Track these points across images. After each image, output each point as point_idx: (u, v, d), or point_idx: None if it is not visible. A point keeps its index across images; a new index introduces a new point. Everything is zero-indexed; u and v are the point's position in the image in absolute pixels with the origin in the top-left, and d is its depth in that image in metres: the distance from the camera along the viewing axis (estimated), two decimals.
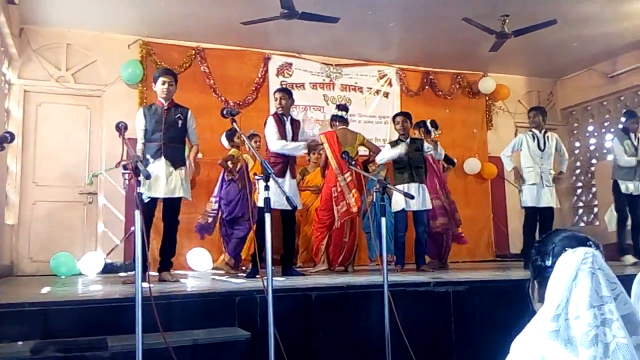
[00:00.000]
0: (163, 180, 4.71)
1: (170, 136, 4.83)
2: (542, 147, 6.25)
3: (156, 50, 7.64)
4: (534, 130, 6.38)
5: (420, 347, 3.58)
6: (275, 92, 5.91)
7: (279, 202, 4.71)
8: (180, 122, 4.89)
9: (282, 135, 5.42)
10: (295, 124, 5.65)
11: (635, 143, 6.70)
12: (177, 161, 4.82)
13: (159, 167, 4.71)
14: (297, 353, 3.41)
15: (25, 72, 7.14)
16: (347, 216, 5.99)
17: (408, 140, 6.11)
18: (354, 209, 5.95)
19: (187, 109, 5.03)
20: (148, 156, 4.71)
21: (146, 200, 4.60)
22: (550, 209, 6.20)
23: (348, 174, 5.99)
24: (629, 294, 1.40)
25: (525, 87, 9.88)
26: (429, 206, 6.10)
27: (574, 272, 1.19)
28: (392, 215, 6.18)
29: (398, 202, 5.95)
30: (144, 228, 2.67)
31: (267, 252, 3.02)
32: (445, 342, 3.98)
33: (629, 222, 6.71)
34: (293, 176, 5.53)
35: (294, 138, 5.52)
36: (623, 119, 7.03)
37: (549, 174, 6.23)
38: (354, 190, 5.94)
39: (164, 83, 4.89)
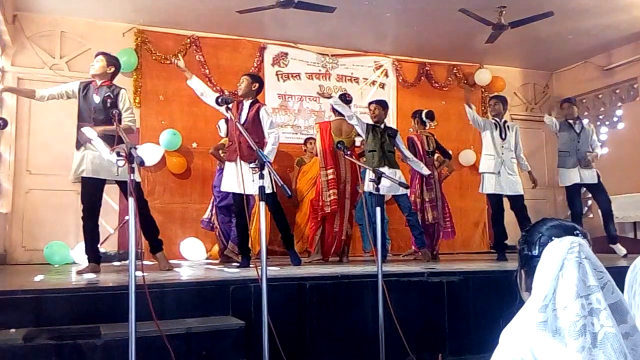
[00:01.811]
0: (98, 160, 4.55)
1: (98, 116, 4.64)
2: (503, 136, 6.25)
3: (151, 39, 7.59)
4: (495, 118, 6.39)
5: (413, 336, 3.60)
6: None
7: (235, 186, 4.80)
8: (109, 101, 4.66)
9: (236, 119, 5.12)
10: (254, 108, 5.35)
11: (578, 129, 6.65)
12: (110, 141, 4.47)
13: (97, 147, 4.54)
14: (291, 342, 3.42)
15: (18, 59, 7.08)
16: (320, 211, 6.00)
17: (382, 126, 6.10)
18: (327, 209, 5.94)
19: (121, 89, 4.80)
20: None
21: (86, 175, 4.56)
22: (519, 196, 6.18)
23: (331, 170, 5.98)
24: (620, 285, 1.40)
25: (521, 79, 9.88)
26: (403, 191, 5.89)
27: (560, 262, 1.18)
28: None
29: (369, 185, 5.73)
30: (138, 213, 2.64)
31: (262, 240, 3.01)
32: (439, 332, 4.00)
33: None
34: (245, 159, 4.98)
35: (246, 122, 5.25)
36: (561, 109, 6.97)
37: (510, 162, 6.20)
38: (332, 191, 5.92)
39: (96, 62, 4.77)
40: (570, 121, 6.73)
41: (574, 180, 6.56)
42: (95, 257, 4.70)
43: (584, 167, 6.52)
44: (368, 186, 5.64)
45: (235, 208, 5.40)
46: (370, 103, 6.39)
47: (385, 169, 5.74)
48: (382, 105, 6.26)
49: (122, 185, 4.68)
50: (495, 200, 6.27)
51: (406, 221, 6.23)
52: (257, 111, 5.34)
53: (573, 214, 6.72)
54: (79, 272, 4.60)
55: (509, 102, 6.74)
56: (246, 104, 5.43)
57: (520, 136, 6.43)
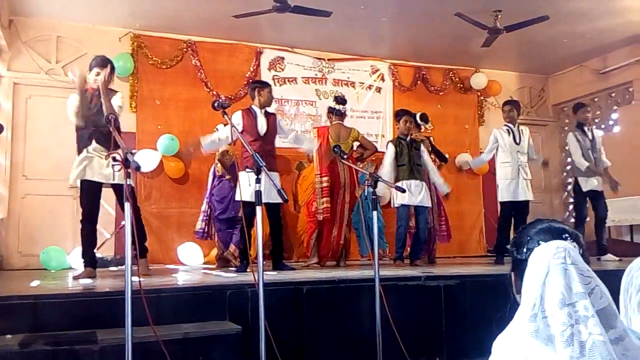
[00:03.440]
0: (96, 164, 4.62)
1: (98, 121, 4.62)
2: (517, 140, 6.29)
3: (147, 44, 7.59)
4: (508, 124, 6.41)
5: (411, 340, 3.59)
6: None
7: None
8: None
9: (252, 129, 5.30)
10: (270, 117, 5.46)
11: (590, 136, 6.65)
12: (108, 146, 4.60)
13: (93, 151, 4.64)
14: (288, 346, 3.40)
15: (14, 64, 7.07)
16: (312, 217, 6.08)
17: (408, 139, 6.15)
18: (320, 217, 5.99)
19: (116, 92, 4.87)
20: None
21: (79, 179, 4.60)
22: (526, 202, 6.24)
23: (325, 178, 6.02)
24: (616, 288, 1.40)
25: (517, 83, 9.91)
26: (429, 204, 6.16)
27: (546, 268, 1.17)
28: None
29: (398, 196, 5.95)
30: (134, 219, 2.63)
31: (258, 244, 3.01)
32: (436, 336, 3.99)
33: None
34: (271, 169, 5.17)
35: (267, 132, 5.36)
36: (575, 113, 6.97)
37: (525, 167, 6.28)
38: (325, 199, 5.95)
39: (97, 74, 4.74)
40: (585, 128, 6.69)
41: (592, 187, 6.52)
42: (91, 261, 4.70)
43: (597, 175, 6.53)
44: (402, 198, 5.90)
45: (248, 215, 5.30)
46: (402, 114, 6.34)
47: (414, 182, 6.01)
48: (413, 117, 6.29)
49: (117, 188, 4.70)
50: (507, 207, 6.29)
51: (415, 232, 6.25)
52: (275, 121, 5.46)
53: (581, 219, 6.68)
54: (75, 278, 4.60)
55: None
56: (260, 112, 5.42)
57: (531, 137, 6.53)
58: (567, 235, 1.28)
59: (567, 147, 7.16)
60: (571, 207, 9.93)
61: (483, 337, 1.61)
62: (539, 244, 1.25)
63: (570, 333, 1.09)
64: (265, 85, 5.66)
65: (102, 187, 4.76)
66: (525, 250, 1.30)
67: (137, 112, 7.44)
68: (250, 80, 7.61)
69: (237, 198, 5.44)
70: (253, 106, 5.48)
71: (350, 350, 3.70)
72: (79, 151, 4.71)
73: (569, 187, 10.01)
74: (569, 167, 9.33)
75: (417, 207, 6.13)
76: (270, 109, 5.59)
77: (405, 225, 6.13)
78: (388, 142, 6.49)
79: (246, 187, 5.11)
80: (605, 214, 6.54)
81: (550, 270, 1.16)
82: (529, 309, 1.16)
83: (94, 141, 4.67)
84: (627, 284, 1.44)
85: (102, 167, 4.62)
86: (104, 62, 4.84)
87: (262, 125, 5.36)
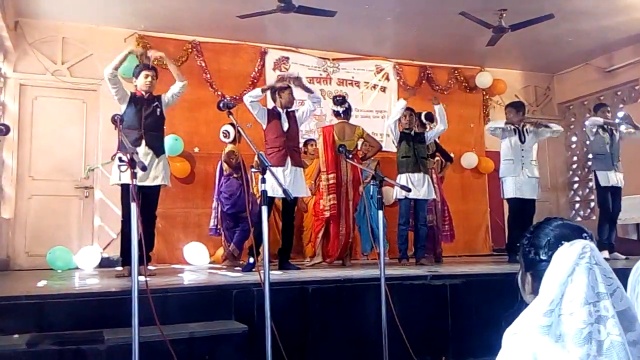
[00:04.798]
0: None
1: (150, 124, 4.85)
2: (522, 139, 6.26)
3: (152, 44, 7.58)
4: (514, 125, 6.40)
5: (416, 339, 3.60)
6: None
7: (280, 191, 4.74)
8: (158, 110, 4.94)
9: (277, 126, 5.37)
10: (291, 115, 5.53)
11: (610, 134, 6.69)
12: (157, 149, 4.86)
13: (140, 153, 4.70)
14: (294, 346, 3.41)
15: (20, 65, 7.10)
16: (320, 215, 6.10)
17: (412, 133, 6.16)
18: (327, 214, 6.00)
19: (160, 95, 5.05)
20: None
21: (123, 182, 4.62)
22: (533, 200, 6.21)
23: (332, 175, 6.03)
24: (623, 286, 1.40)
25: (522, 81, 9.89)
26: (432, 196, 6.18)
27: (570, 267, 1.17)
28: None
29: (400, 190, 5.85)
30: (140, 223, 2.64)
31: (264, 244, 3.01)
32: (442, 335, 3.99)
33: None
34: (296, 164, 5.38)
35: (291, 129, 5.43)
36: (596, 113, 7.01)
37: (530, 165, 6.23)
38: (331, 195, 5.97)
39: (146, 77, 4.90)
40: (605, 126, 6.73)
41: (611, 182, 6.54)
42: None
43: (617, 171, 6.57)
44: (400, 193, 5.89)
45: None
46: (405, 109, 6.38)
47: (418, 175, 6.03)
48: (414, 112, 6.32)
49: (146, 190, 4.73)
50: (514, 204, 6.26)
51: (414, 229, 6.24)
52: (296, 118, 5.52)
53: (605, 214, 6.63)
54: (117, 276, 4.67)
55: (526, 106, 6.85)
56: (283, 112, 5.47)
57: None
58: (585, 234, 1.28)
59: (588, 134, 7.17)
60: (577, 205, 9.92)
61: (489, 337, 1.61)
62: (561, 244, 1.25)
63: (589, 331, 1.10)
64: (285, 87, 5.71)
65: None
66: (547, 249, 1.30)
67: None
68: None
69: (270, 194, 5.48)
70: (276, 107, 5.57)
71: (355, 349, 3.70)
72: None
73: (575, 186, 9.99)
74: (589, 163, 9.25)
75: (416, 202, 6.12)
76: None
77: (406, 219, 6.13)
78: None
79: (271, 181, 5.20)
80: (618, 213, 6.55)
81: (576, 269, 1.16)
82: (546, 304, 1.16)
83: (143, 144, 4.76)
84: (634, 282, 1.44)
85: (151, 170, 4.72)
86: (151, 66, 4.99)
87: (285, 125, 5.45)
